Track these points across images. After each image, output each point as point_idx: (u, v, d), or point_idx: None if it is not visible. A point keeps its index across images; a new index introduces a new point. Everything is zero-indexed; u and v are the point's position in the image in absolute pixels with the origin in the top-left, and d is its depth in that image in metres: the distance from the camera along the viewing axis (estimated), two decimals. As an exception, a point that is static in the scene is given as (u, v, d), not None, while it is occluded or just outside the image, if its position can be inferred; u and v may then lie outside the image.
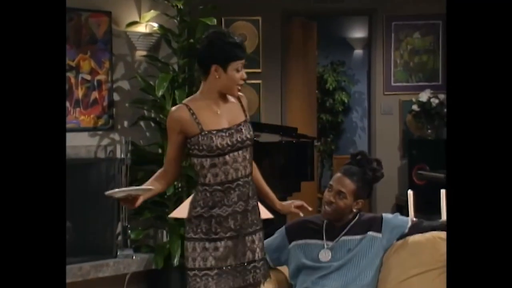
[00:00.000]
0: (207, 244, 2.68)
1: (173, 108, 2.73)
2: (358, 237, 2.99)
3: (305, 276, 3.00)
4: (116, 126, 5.15)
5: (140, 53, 5.21)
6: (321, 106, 9.06)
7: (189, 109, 2.67)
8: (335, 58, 9.48)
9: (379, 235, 2.99)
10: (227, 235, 2.70)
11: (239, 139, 2.69)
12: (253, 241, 2.74)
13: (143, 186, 2.69)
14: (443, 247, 2.97)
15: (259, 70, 6.39)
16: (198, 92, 2.75)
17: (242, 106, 2.79)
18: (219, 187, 2.68)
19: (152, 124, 5.26)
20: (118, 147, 5.04)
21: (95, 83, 5.04)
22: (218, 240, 2.69)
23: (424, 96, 6.55)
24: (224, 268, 2.69)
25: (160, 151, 5.14)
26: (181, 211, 3.86)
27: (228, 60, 2.65)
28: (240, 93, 2.79)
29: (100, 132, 5.07)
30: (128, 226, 4.97)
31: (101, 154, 5.03)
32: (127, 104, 5.16)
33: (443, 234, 3.03)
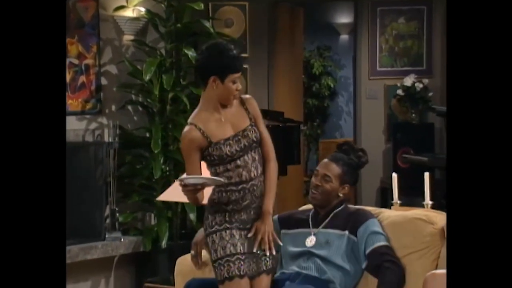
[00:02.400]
0: (234, 232, 2.83)
1: (184, 130, 2.85)
2: (337, 232, 3.02)
3: (290, 261, 3.05)
4: (104, 110, 5.13)
5: (127, 38, 5.18)
6: (307, 91, 9.04)
7: (198, 128, 2.82)
8: (321, 43, 9.46)
9: (355, 238, 3.00)
10: (249, 225, 2.86)
11: (246, 143, 2.84)
12: None
13: (215, 177, 2.80)
14: (424, 229, 2.99)
15: (246, 55, 6.35)
16: (200, 103, 2.88)
17: (246, 109, 2.88)
18: (234, 188, 2.83)
19: (140, 108, 5.24)
20: (106, 131, 5.02)
21: (83, 67, 5.01)
22: (243, 230, 2.85)
23: (408, 81, 6.55)
24: (249, 253, 2.84)
25: (147, 135, 5.13)
26: (169, 194, 3.87)
27: (226, 72, 2.78)
28: (247, 96, 2.93)
29: (88, 116, 5.04)
30: (116, 209, 4.96)
31: (89, 138, 5.01)
32: (114, 88, 5.14)
33: (423, 216, 3.05)
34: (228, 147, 2.81)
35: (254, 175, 2.84)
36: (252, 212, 2.87)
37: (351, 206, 3.15)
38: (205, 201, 2.89)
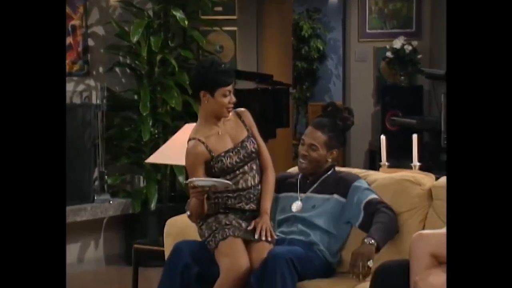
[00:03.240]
0: (229, 215, 2.95)
1: (189, 145, 2.96)
2: (324, 196, 3.03)
3: (275, 226, 3.07)
4: (92, 71, 5.09)
5: (114, -2, 5.12)
6: (296, 54, 9.01)
7: (202, 142, 2.95)
8: (310, 6, 9.39)
9: (343, 200, 3.00)
10: (243, 223, 2.96)
11: (245, 154, 2.97)
12: None
13: (222, 180, 2.90)
14: (412, 190, 3.01)
15: (234, 17, 6.30)
16: (198, 119, 3.02)
17: (243, 121, 3.00)
18: (230, 194, 2.95)
19: (128, 70, 5.20)
20: (93, 93, 4.99)
21: (70, 28, 4.95)
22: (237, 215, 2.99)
23: (397, 43, 6.54)
24: (237, 226, 2.93)
25: (135, 97, 5.10)
26: (158, 157, 3.87)
27: (215, 86, 2.89)
28: (242, 109, 3.03)
29: (75, 78, 5.00)
30: (105, 171, 4.96)
31: (76, 100, 4.98)
32: (102, 50, 5.09)
33: (411, 177, 3.06)
34: (228, 159, 2.94)
35: (251, 184, 2.97)
36: (247, 214, 2.97)
37: (339, 169, 3.15)
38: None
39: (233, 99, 2.93)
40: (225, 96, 2.90)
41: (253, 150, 2.98)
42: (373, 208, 2.93)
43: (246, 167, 2.96)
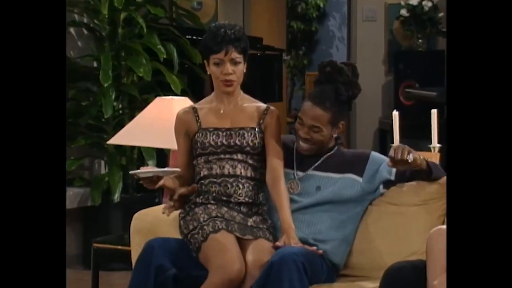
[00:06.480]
0: (222, 208, 2.97)
1: (180, 110, 3.11)
2: (332, 175, 3.04)
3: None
4: (41, 33, 5.09)
5: None
6: (291, 12, 9.02)
7: (194, 110, 3.07)
8: (308, -47, 9.41)
9: (359, 178, 3.02)
10: (236, 225, 2.97)
11: (238, 142, 3.00)
12: (254, 221, 3.01)
13: (169, 169, 3.02)
14: (428, 185, 3.04)
15: (216, -34, 6.32)
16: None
17: (261, 117, 3.02)
18: (214, 179, 3.00)
19: (85, 31, 5.21)
20: (43, 59, 4.99)
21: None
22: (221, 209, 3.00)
23: (414, -2, 6.57)
24: (230, 220, 2.95)
25: (95, 64, 5.10)
26: (123, 137, 3.88)
27: (206, 52, 2.99)
28: (272, 107, 3.05)
29: (21, 41, 5.00)
30: (58, 155, 4.98)
31: (23, 68, 4.98)
32: (53, 7, 5.09)
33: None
34: (213, 136, 2.99)
35: (242, 173, 2.99)
36: (241, 207, 2.97)
37: (344, 149, 3.15)
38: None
39: (227, 69, 2.94)
40: (216, 65, 2.96)
41: (251, 144, 2.99)
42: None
43: (235, 156, 2.99)
